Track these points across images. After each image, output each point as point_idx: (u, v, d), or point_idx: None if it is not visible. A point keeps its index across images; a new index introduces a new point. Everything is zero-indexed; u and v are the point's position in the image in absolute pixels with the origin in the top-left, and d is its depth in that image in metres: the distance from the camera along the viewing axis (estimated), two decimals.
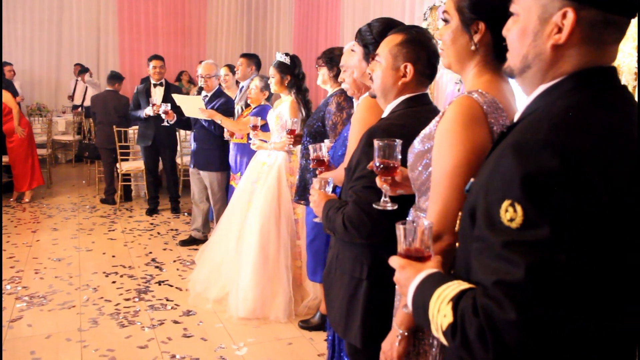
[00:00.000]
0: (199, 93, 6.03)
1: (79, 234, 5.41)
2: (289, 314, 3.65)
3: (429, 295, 1.04)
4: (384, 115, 1.88)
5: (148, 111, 5.79)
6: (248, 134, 4.52)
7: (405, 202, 1.65)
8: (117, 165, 6.40)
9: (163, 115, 4.97)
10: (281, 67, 3.78)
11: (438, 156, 1.36)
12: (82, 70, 9.30)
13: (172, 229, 5.65)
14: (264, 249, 3.73)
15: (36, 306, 3.74)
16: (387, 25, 2.21)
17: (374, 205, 1.64)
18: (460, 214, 1.15)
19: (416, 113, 1.81)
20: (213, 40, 11.28)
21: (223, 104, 4.86)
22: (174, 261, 4.70)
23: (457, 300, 0.97)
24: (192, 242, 5.16)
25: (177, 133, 6.32)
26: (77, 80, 9.62)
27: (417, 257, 1.18)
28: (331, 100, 3.20)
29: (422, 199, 1.51)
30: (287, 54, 3.78)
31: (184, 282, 4.22)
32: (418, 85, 1.85)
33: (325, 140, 2.51)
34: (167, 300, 3.90)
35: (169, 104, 4.96)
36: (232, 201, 4.17)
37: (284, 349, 3.28)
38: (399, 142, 1.57)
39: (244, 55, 5.19)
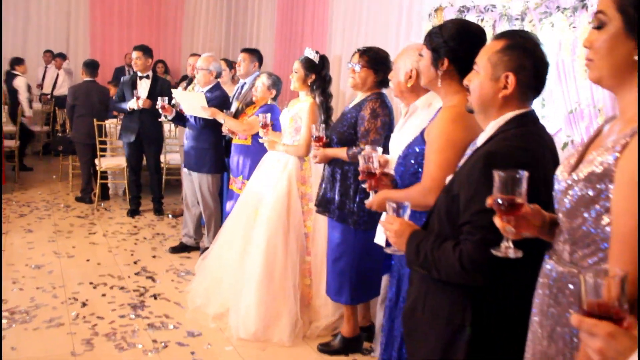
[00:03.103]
0: (187, 84, 5.65)
1: (57, 237, 4.96)
2: (294, 336, 3.33)
3: None
4: (487, 134, 1.60)
5: (132, 104, 5.38)
6: (252, 135, 4.20)
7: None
8: (96, 161, 5.94)
9: (160, 110, 4.56)
10: (308, 63, 3.45)
11: (631, 205, 1.06)
12: (57, 55, 8.70)
13: (158, 233, 5.25)
14: (270, 265, 3.39)
15: (19, 324, 3.33)
16: (461, 28, 1.96)
17: (492, 252, 1.37)
18: None
19: (532, 134, 1.55)
20: (190, 30, 10.79)
21: (216, 97, 4.48)
22: (167, 271, 4.32)
23: None
24: (183, 249, 4.79)
25: (163, 128, 5.93)
26: (46, 67, 9.03)
27: (617, 318, 0.93)
28: (365, 105, 2.92)
29: (579, 253, 1.22)
30: (317, 52, 3.47)
31: (182, 295, 3.86)
32: (523, 100, 1.59)
33: (379, 148, 2.23)
34: (167, 317, 3.53)
35: (166, 98, 4.56)
36: (237, 208, 3.82)
37: None
38: (524, 173, 1.30)
39: (246, 51, 4.84)
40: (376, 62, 2.91)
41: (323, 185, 3.12)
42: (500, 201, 1.30)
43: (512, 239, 1.35)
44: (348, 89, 6.78)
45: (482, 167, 1.47)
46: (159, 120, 4.87)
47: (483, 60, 1.61)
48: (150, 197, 5.94)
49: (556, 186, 1.35)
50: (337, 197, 3.01)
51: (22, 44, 9.44)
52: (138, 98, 5.33)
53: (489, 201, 1.33)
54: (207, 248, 4.53)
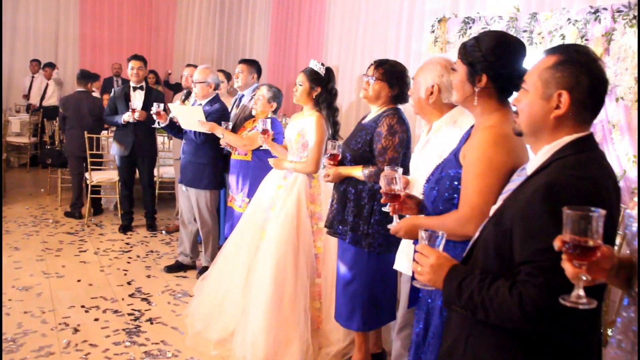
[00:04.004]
0: (185, 97, 5.45)
1: (46, 256, 4.72)
2: None
3: None
4: (540, 160, 1.44)
5: (127, 117, 5.17)
6: (253, 150, 4.03)
7: None
8: (87, 175, 5.72)
9: (155, 117, 4.36)
10: (313, 76, 3.29)
11: None
12: (46, 65, 8.47)
13: (151, 251, 5.03)
14: (280, 288, 3.21)
15: (5, 353, 3.09)
16: (500, 41, 1.80)
17: (561, 301, 1.20)
18: None
19: (594, 161, 1.38)
20: (182, 40, 10.62)
21: (216, 111, 4.29)
22: (163, 292, 4.10)
23: None
24: (179, 267, 4.57)
25: (156, 141, 5.73)
26: (33, 77, 8.79)
27: None
28: (381, 121, 2.75)
29: None
30: (322, 64, 3.30)
31: (180, 319, 3.65)
32: (579, 122, 1.43)
33: (399, 169, 2.05)
34: (164, 344, 3.32)
35: (162, 104, 4.36)
36: (239, 228, 3.63)
37: None
38: (601, 212, 1.14)
39: (244, 62, 4.65)
40: (392, 75, 2.75)
41: (334, 205, 2.94)
42: (573, 244, 1.13)
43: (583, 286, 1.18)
44: (345, 101, 6.66)
45: (542, 200, 1.29)
46: (152, 126, 4.65)
47: (533, 78, 1.45)
48: (142, 212, 5.73)
49: (634, 224, 1.19)
50: (349, 218, 2.84)
51: (9, 53, 9.20)
52: (134, 111, 5.13)
53: (557, 243, 1.16)
54: (204, 267, 4.34)
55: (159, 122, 4.40)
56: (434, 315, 1.90)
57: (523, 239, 1.32)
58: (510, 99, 1.85)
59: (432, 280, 1.52)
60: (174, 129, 4.52)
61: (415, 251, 1.59)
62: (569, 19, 3.96)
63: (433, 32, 5.48)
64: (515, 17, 4.32)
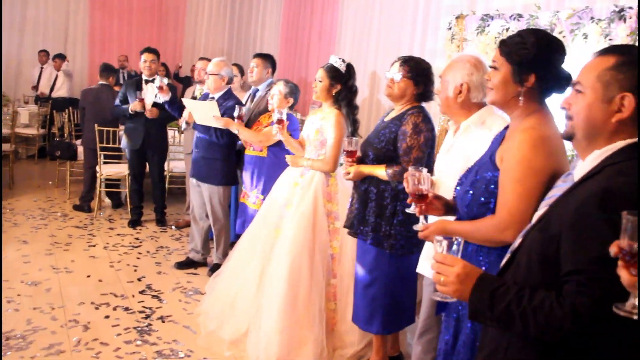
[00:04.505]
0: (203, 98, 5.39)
1: (54, 250, 4.66)
2: None
3: None
4: (589, 165, 1.36)
5: (134, 106, 5.10)
6: (268, 146, 3.96)
7: None
8: (97, 168, 5.65)
9: (156, 90, 4.39)
10: (333, 72, 3.21)
11: None
12: (56, 56, 8.41)
13: (161, 246, 4.97)
14: (294, 288, 3.14)
15: (14, 351, 3.03)
16: (545, 39, 1.72)
17: (614, 310, 1.13)
18: None
19: None
20: (192, 32, 10.52)
21: (232, 107, 4.20)
22: (174, 289, 4.04)
23: None
24: (190, 264, 4.50)
25: (167, 135, 5.67)
26: (42, 68, 8.72)
27: None
28: (406, 120, 2.67)
29: None
30: (342, 60, 3.22)
31: (191, 318, 3.59)
32: (636, 125, 1.35)
33: (423, 169, 1.96)
34: (176, 343, 3.26)
35: (165, 79, 4.43)
36: (254, 225, 3.56)
37: None
38: None
39: (259, 56, 4.57)
40: (418, 73, 2.67)
41: (355, 205, 2.86)
42: (631, 251, 1.06)
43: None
44: (358, 98, 6.56)
45: (597, 206, 1.21)
46: (155, 100, 4.74)
47: (590, 79, 1.37)
48: (151, 207, 5.67)
49: None
50: (371, 219, 2.75)
51: (18, 44, 9.13)
52: (141, 100, 5.08)
53: (614, 249, 1.08)
54: (216, 264, 4.27)
55: (160, 96, 4.46)
56: (464, 322, 1.82)
57: (575, 247, 1.24)
58: (548, 100, 1.77)
59: (459, 291, 1.42)
60: (174, 104, 4.59)
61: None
62: (592, 18, 3.86)
63: (450, 29, 5.37)
64: (535, 15, 4.22)
